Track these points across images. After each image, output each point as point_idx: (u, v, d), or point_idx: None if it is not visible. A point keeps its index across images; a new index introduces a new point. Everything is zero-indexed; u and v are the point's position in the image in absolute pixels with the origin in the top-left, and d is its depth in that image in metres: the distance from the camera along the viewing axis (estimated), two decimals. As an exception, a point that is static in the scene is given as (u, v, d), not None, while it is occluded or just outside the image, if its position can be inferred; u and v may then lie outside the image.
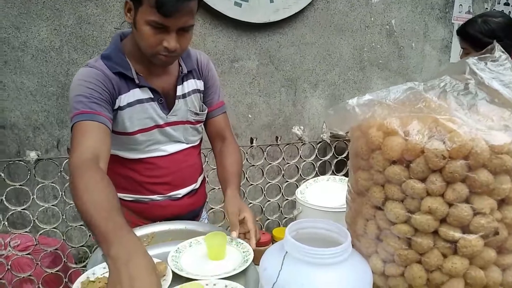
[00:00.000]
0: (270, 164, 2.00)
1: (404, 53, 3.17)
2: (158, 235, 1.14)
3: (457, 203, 0.65)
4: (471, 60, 0.72)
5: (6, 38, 2.11)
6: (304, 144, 2.00)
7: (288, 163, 2.04)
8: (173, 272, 0.89)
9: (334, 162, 2.13)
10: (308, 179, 1.35)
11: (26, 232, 1.70)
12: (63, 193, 1.71)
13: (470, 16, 3.02)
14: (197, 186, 1.34)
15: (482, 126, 0.65)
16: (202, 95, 1.28)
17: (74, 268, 1.83)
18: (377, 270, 0.75)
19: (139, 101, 1.14)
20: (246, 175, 1.96)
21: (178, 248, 1.01)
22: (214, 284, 0.85)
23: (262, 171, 2.01)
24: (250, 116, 2.77)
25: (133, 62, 1.14)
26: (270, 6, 2.56)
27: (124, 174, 1.22)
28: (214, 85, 1.32)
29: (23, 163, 1.63)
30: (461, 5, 3.25)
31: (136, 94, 1.14)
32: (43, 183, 1.68)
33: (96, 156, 0.96)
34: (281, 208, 2.15)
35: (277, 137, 1.96)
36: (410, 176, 0.68)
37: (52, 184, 1.70)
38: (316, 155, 2.06)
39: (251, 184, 2.02)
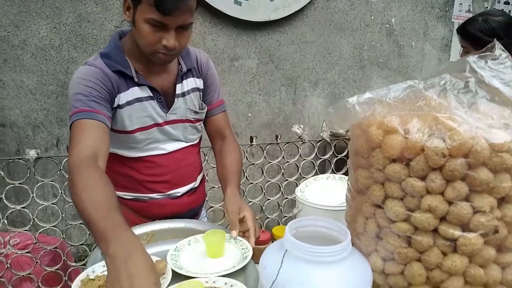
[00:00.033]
0: (270, 162, 2.00)
1: (404, 52, 3.17)
2: (158, 234, 1.14)
3: (457, 201, 0.65)
4: (472, 58, 0.72)
5: (6, 36, 2.11)
6: (304, 142, 2.00)
7: (288, 161, 2.04)
8: (172, 270, 0.89)
9: (334, 161, 2.13)
10: (308, 178, 1.35)
11: (25, 230, 1.70)
12: (62, 192, 1.71)
13: (470, 15, 3.02)
14: (196, 185, 1.34)
15: (482, 124, 0.65)
16: (201, 93, 1.28)
17: (74, 266, 1.83)
18: (377, 268, 0.75)
19: (138, 100, 1.14)
20: (246, 174, 1.96)
21: (177, 246, 1.01)
22: (214, 282, 0.86)
23: (262, 169, 2.01)
24: (250, 114, 2.77)
25: (132, 61, 1.14)
26: (270, 4, 2.55)
27: (123, 172, 1.22)
28: (214, 83, 1.31)
29: (22, 161, 1.63)
30: (461, 4, 3.25)
31: (135, 92, 1.14)
32: (43, 181, 1.68)
33: (95, 154, 0.96)
34: (280, 207, 2.15)
35: (277, 136, 1.96)
36: (410, 174, 0.68)
37: (52, 182, 1.70)
38: (316, 153, 2.06)
39: (251, 183, 2.02)
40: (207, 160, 1.83)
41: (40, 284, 1.74)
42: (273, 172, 2.16)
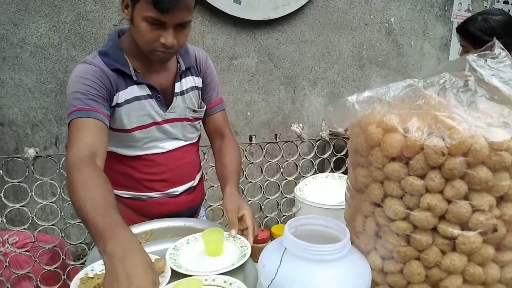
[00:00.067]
0: (269, 161, 2.00)
1: (403, 51, 3.17)
2: (157, 232, 1.14)
3: (456, 200, 0.65)
4: (471, 57, 0.72)
5: (5, 34, 2.10)
6: (303, 142, 2.00)
7: (287, 160, 2.04)
8: (171, 269, 0.89)
9: (333, 160, 2.13)
10: (307, 177, 1.35)
11: (24, 229, 1.70)
12: (61, 190, 1.71)
13: (470, 14, 3.02)
14: (195, 184, 1.34)
15: (481, 123, 0.65)
16: (200, 92, 1.28)
17: (73, 265, 1.82)
18: (376, 267, 0.75)
19: (137, 98, 1.14)
20: (245, 173, 1.96)
21: (175, 245, 1.01)
22: (213, 280, 0.86)
23: (261, 168, 2.01)
24: (249, 113, 2.77)
25: (131, 59, 1.13)
26: (270, 3, 2.55)
27: (122, 171, 1.22)
28: (213, 82, 1.31)
29: (21, 160, 1.63)
30: (460, 3, 3.25)
31: (134, 91, 1.14)
32: (42, 180, 1.68)
33: (93, 153, 0.95)
34: (280, 206, 2.15)
35: (276, 135, 1.96)
36: (409, 173, 0.68)
37: (51, 181, 1.70)
38: (315, 153, 2.06)
39: (250, 182, 2.02)
40: (206, 159, 1.83)
41: (38, 282, 1.73)
42: (272, 171, 2.16)
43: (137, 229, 1.13)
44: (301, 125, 1.98)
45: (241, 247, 1.00)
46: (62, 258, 1.77)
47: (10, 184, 1.64)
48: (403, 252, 0.70)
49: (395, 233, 0.71)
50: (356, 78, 3.05)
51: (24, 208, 1.67)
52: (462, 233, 0.65)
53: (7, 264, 1.68)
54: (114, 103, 1.11)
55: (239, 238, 1.04)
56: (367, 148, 0.74)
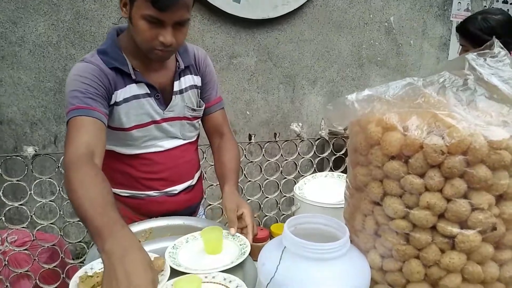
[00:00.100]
0: (268, 160, 2.00)
1: (403, 50, 3.17)
2: (156, 231, 1.14)
3: (455, 198, 0.65)
4: (471, 56, 0.72)
5: (3, 33, 2.10)
6: (302, 141, 2.00)
7: (286, 159, 2.04)
8: (171, 267, 0.89)
9: (332, 159, 2.13)
10: (306, 176, 1.35)
11: (23, 227, 1.70)
12: (60, 189, 1.71)
13: (469, 14, 3.03)
14: (193, 182, 1.34)
15: (481, 121, 0.65)
16: (199, 90, 1.28)
17: (72, 264, 1.82)
18: (375, 265, 0.75)
19: (136, 97, 1.14)
20: (244, 172, 1.96)
21: (174, 244, 1.01)
22: (213, 277, 0.86)
23: (260, 167, 2.01)
24: (248, 112, 2.76)
25: (130, 57, 1.13)
26: (269, 2, 2.55)
27: (120, 169, 1.22)
28: (212, 80, 1.31)
29: (20, 158, 1.63)
30: (459, 2, 3.25)
31: (132, 89, 1.13)
32: (41, 178, 1.68)
33: (91, 151, 0.95)
34: (279, 205, 2.15)
35: (275, 134, 1.96)
36: (408, 172, 0.68)
37: (50, 179, 1.69)
38: (314, 152, 2.06)
39: (249, 181, 2.02)
40: (205, 157, 1.83)
41: (37, 281, 1.73)
42: (272, 170, 2.16)
43: (136, 227, 1.13)
44: (300, 124, 1.98)
45: (240, 245, 1.00)
46: (61, 256, 1.77)
47: (9, 182, 1.64)
48: (403, 250, 0.70)
49: (394, 231, 0.71)
50: (355, 77, 3.05)
51: (23, 207, 1.67)
52: (461, 232, 0.66)
53: (6, 262, 1.67)
54: (112, 102, 1.11)
55: (238, 236, 1.04)
56: (367, 147, 0.74)
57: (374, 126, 0.72)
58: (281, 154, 2.00)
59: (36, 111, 2.23)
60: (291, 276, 0.67)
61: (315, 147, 2.05)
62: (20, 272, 1.71)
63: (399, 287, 0.72)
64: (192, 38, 2.40)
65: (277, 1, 2.57)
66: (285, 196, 2.14)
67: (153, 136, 1.20)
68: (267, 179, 2.04)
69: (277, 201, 2.14)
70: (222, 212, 1.92)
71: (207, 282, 0.85)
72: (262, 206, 2.08)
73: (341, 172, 1.84)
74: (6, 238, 1.67)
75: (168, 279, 0.83)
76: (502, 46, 0.73)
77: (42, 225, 1.72)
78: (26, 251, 1.71)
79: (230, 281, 0.84)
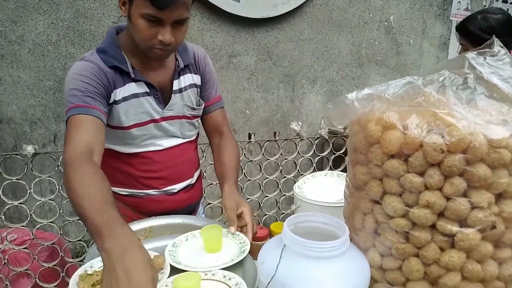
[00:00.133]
0: (268, 159, 2.00)
1: (402, 49, 3.17)
2: (156, 229, 1.14)
3: (455, 197, 0.65)
4: (470, 55, 0.72)
5: (3, 31, 2.09)
6: (302, 140, 2.00)
7: (286, 159, 2.04)
8: (171, 265, 0.89)
9: (332, 158, 2.13)
10: (305, 175, 1.35)
11: (23, 226, 1.70)
12: (60, 188, 1.71)
13: (468, 13, 3.02)
14: (193, 181, 1.34)
15: (480, 120, 0.65)
16: (199, 89, 1.28)
17: (71, 262, 1.82)
18: (374, 264, 0.75)
19: (135, 96, 1.14)
20: (244, 171, 1.96)
21: (174, 242, 1.01)
22: (213, 274, 0.86)
23: (260, 166, 2.01)
24: (248, 112, 2.76)
25: (129, 56, 1.13)
26: (269, 1, 2.55)
27: (120, 168, 1.22)
28: (211, 79, 1.31)
29: (20, 157, 1.63)
30: (459, 2, 3.26)
31: (131, 88, 1.13)
32: (40, 177, 1.68)
33: (90, 150, 0.95)
34: (278, 204, 2.15)
35: (275, 133, 1.96)
36: (408, 170, 0.68)
37: (49, 178, 1.69)
38: (314, 151, 2.06)
39: (249, 180, 2.02)
40: (205, 156, 1.83)
41: (37, 280, 1.73)
42: (271, 169, 2.16)
43: (136, 226, 1.13)
44: (300, 123, 1.98)
45: (240, 243, 1.00)
46: (61, 255, 1.77)
47: (9, 181, 1.63)
48: (402, 249, 0.70)
49: (394, 230, 0.71)
50: (355, 76, 3.05)
51: (23, 205, 1.67)
52: (461, 230, 0.66)
53: (6, 261, 1.67)
54: (111, 100, 1.11)
55: (238, 235, 1.04)
56: (366, 146, 0.75)
57: (374, 125, 0.72)
58: (281, 153, 2.00)
59: (35, 110, 2.23)
60: (291, 275, 0.68)
61: (314, 146, 2.05)
62: (20, 271, 1.71)
63: (398, 286, 0.73)
64: (192, 37, 2.40)
65: (277, 0, 2.57)
66: (284, 195, 2.14)
67: (152, 135, 1.20)
68: (267, 178, 2.04)
69: (276, 200, 2.14)
70: (222, 211, 1.92)
71: (207, 279, 0.85)
72: (261, 205, 2.09)
73: (341, 171, 1.84)
74: (6, 236, 1.67)
75: (168, 277, 0.83)
76: (502, 45, 0.73)
77: (41, 224, 1.72)
78: (25, 250, 1.71)
79: (229, 279, 0.85)
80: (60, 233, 1.76)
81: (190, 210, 1.35)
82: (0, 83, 2.14)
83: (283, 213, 2.16)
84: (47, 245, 1.75)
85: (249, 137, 1.92)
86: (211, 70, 1.31)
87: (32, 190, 1.66)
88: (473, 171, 0.64)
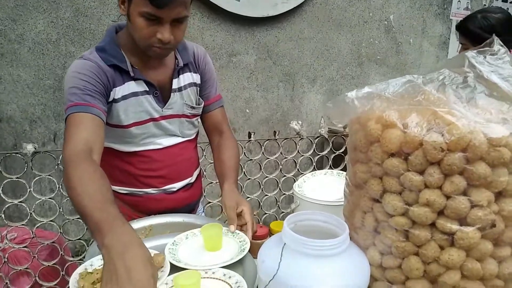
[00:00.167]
0: (268, 158, 2.00)
1: (402, 49, 3.17)
2: (156, 228, 1.14)
3: (455, 195, 0.65)
4: (470, 54, 0.72)
5: (3, 30, 2.09)
6: (301, 139, 2.00)
7: (286, 157, 2.04)
8: (171, 263, 0.89)
9: (332, 157, 2.13)
10: (305, 174, 1.35)
11: (22, 225, 1.69)
12: (60, 186, 1.71)
13: (468, 13, 3.02)
14: (192, 180, 1.34)
15: (480, 119, 0.65)
16: (198, 88, 1.28)
17: (71, 261, 1.82)
18: (374, 262, 0.75)
19: (134, 94, 1.14)
20: (243, 170, 1.96)
21: (174, 241, 1.01)
22: (213, 272, 0.86)
23: (260, 165, 2.01)
24: (247, 110, 2.76)
25: (128, 55, 1.13)
26: (269, 0, 2.55)
27: (119, 167, 1.22)
28: (211, 78, 1.31)
29: (19, 156, 1.62)
30: (459, 1, 3.26)
31: (131, 87, 1.13)
32: (40, 176, 1.68)
33: (89, 148, 0.95)
34: (278, 203, 2.15)
35: (275, 132, 1.96)
36: (408, 169, 0.68)
37: (49, 177, 1.69)
38: (314, 150, 2.06)
39: (249, 179, 2.02)
40: (205, 155, 1.83)
41: (37, 278, 1.73)
42: (271, 168, 2.16)
43: (136, 224, 1.13)
44: (300, 122, 1.98)
45: (240, 242, 1.00)
46: (61, 254, 1.77)
47: (9, 180, 1.63)
48: (402, 247, 0.70)
49: (393, 228, 0.71)
50: (355, 75, 3.05)
51: (23, 204, 1.67)
52: (461, 229, 0.66)
53: (6, 260, 1.67)
54: (111, 99, 1.11)
55: (238, 233, 1.04)
56: (366, 144, 0.75)
57: (374, 124, 0.72)
58: (281, 152, 2.00)
59: (35, 109, 2.23)
60: (291, 273, 0.68)
61: (314, 145, 2.05)
62: (20, 270, 1.71)
63: (398, 284, 0.73)
64: (192, 36, 2.40)
65: (277, -1, 2.57)
66: (284, 194, 2.14)
67: (152, 134, 1.20)
68: (267, 177, 2.04)
69: (276, 199, 2.14)
70: (222, 209, 1.92)
71: (207, 277, 0.85)
72: (261, 204, 2.09)
73: (341, 170, 1.84)
74: (6, 235, 1.67)
75: (168, 276, 0.84)
76: (501, 43, 0.73)
77: (41, 223, 1.72)
78: (25, 249, 1.71)
79: (229, 277, 0.85)
80: (60, 232, 1.76)
81: (190, 209, 1.35)
82: (0, 82, 2.14)
83: (283, 212, 2.16)
84: (47, 243, 1.75)
85: (249, 136, 1.92)
86: (211, 69, 1.31)
87: (32, 189, 1.66)
88: (473, 169, 0.64)
